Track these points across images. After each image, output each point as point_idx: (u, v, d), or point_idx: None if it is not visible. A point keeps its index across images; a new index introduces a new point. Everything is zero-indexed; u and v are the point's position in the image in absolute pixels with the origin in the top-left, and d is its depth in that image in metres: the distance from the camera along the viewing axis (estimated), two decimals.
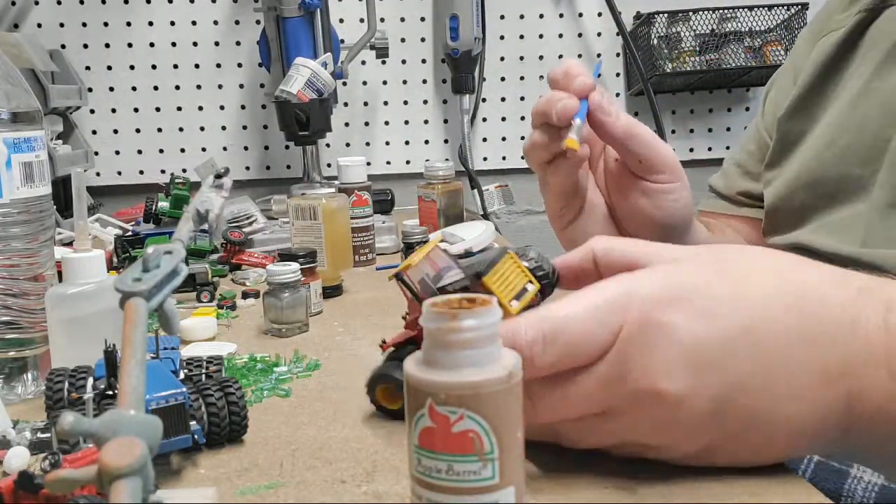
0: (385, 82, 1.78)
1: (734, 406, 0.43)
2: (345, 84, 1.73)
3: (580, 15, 1.79)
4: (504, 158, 1.82)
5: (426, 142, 1.81)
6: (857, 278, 0.47)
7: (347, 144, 1.79)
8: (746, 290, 0.45)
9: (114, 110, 1.72)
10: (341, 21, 1.71)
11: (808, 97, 0.81)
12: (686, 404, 0.43)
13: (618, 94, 1.83)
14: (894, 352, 0.43)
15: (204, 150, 1.74)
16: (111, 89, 1.71)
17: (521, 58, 1.80)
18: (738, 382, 0.43)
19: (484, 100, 1.80)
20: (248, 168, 1.77)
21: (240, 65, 1.73)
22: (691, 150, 1.85)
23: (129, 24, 1.70)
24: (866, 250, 0.70)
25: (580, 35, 1.80)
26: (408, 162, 1.81)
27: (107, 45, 1.70)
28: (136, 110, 1.73)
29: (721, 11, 1.72)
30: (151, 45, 1.71)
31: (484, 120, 1.82)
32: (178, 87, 1.73)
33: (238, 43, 1.73)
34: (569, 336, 0.43)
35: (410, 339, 0.53)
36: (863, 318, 0.44)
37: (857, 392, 0.44)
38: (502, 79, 1.81)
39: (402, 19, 1.76)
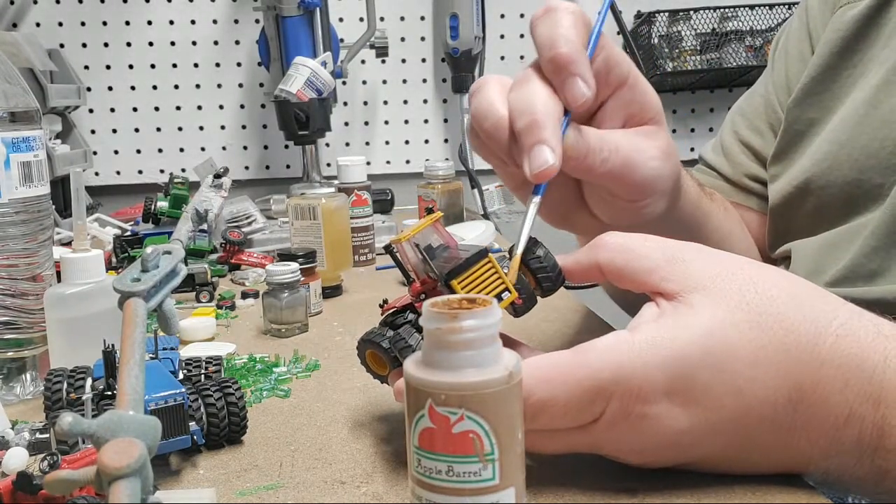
0: (385, 81, 1.78)
1: (713, 463, 0.45)
2: (344, 83, 1.72)
3: None
4: None
5: (426, 141, 1.81)
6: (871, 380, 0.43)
7: (347, 144, 1.79)
8: (741, 384, 0.42)
9: (112, 110, 1.72)
10: (341, 20, 1.71)
11: (822, 80, 0.71)
12: (658, 461, 0.46)
13: None
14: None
15: (203, 149, 1.74)
16: (110, 89, 1.71)
17: (522, 57, 1.80)
18: (718, 455, 0.44)
19: None
20: (247, 168, 1.77)
21: (239, 64, 1.73)
22: (692, 149, 1.84)
23: (127, 23, 1.69)
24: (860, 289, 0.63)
25: None
26: (407, 161, 1.80)
27: (105, 45, 1.70)
28: (134, 110, 1.72)
29: (722, 10, 1.72)
30: (150, 44, 1.71)
31: None
32: (176, 87, 1.73)
33: (237, 42, 1.73)
34: (548, 419, 0.42)
35: (408, 305, 0.52)
36: (857, 417, 0.42)
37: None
38: None
39: (402, 18, 1.76)
